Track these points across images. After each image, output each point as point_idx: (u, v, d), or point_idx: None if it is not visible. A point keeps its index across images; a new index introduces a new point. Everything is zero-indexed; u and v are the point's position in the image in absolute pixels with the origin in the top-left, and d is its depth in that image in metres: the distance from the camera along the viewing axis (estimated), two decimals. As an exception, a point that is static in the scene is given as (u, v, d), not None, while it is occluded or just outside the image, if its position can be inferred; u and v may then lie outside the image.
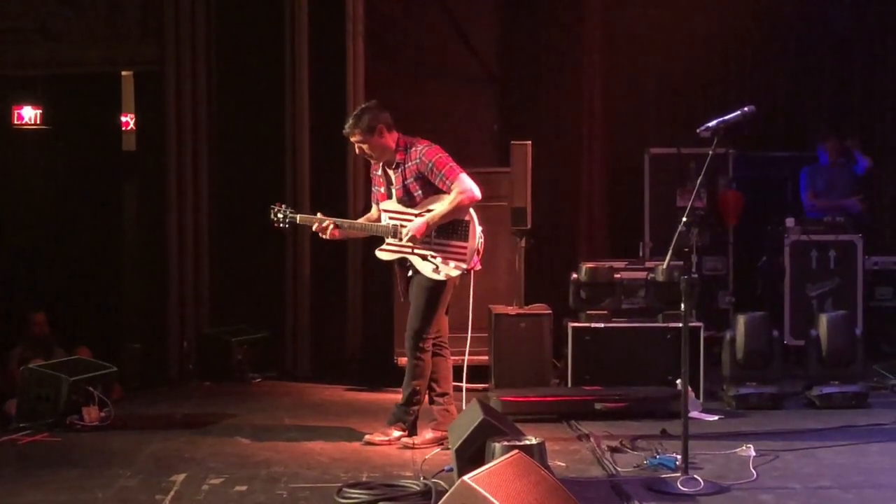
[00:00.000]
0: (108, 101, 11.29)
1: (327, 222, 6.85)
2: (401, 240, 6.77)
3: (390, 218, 6.86)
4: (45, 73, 10.79)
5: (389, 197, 6.89)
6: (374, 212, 7.04)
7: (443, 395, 6.93)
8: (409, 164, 6.77)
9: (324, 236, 6.90)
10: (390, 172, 6.86)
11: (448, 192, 6.72)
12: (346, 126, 6.84)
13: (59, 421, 7.38)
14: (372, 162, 6.97)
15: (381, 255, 6.91)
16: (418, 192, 6.77)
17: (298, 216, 6.98)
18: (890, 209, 10.94)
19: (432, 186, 6.76)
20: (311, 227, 6.98)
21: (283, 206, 7.02)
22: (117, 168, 11.44)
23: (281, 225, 7.00)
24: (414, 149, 6.79)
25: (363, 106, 6.92)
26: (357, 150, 6.91)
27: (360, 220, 7.07)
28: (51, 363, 8.02)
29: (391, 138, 6.79)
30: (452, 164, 6.76)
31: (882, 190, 10.93)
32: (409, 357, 6.88)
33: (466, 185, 6.71)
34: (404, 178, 6.79)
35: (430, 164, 6.72)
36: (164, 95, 10.04)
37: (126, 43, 10.23)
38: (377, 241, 6.95)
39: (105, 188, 11.37)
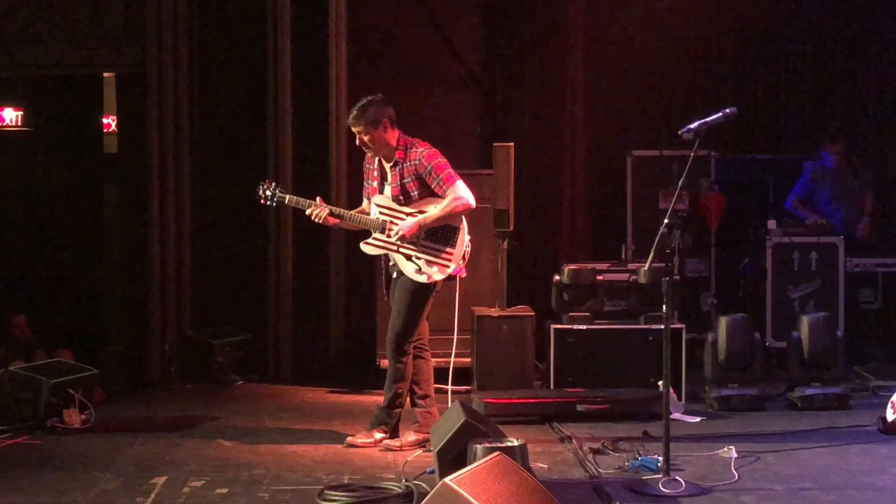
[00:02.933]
0: (89, 102, 11.26)
1: (324, 210, 6.84)
2: (389, 237, 6.77)
3: (381, 213, 6.84)
4: (26, 74, 10.74)
5: (382, 192, 6.88)
6: (366, 205, 7.03)
7: (424, 397, 6.93)
8: (408, 164, 6.77)
9: (318, 221, 6.88)
10: (387, 168, 6.85)
11: (443, 196, 6.72)
12: (350, 116, 6.83)
13: (40, 424, 7.35)
14: (367, 154, 6.96)
15: (366, 248, 6.89)
16: (415, 193, 6.76)
17: (287, 196, 6.95)
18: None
19: (429, 188, 6.76)
20: (297, 207, 6.94)
21: (272, 183, 7.01)
22: (99, 170, 11.42)
23: (267, 202, 6.97)
24: (414, 150, 6.79)
25: (368, 98, 6.84)
26: (357, 142, 6.86)
27: (352, 212, 7.04)
28: (31, 366, 7.98)
29: (393, 134, 6.79)
30: (451, 170, 6.78)
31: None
32: (391, 360, 6.87)
33: (462, 193, 6.72)
34: (401, 177, 6.78)
35: (430, 167, 6.72)
36: (146, 97, 9.99)
37: (108, 45, 10.18)
38: (361, 240, 6.93)
39: (86, 190, 11.35)
